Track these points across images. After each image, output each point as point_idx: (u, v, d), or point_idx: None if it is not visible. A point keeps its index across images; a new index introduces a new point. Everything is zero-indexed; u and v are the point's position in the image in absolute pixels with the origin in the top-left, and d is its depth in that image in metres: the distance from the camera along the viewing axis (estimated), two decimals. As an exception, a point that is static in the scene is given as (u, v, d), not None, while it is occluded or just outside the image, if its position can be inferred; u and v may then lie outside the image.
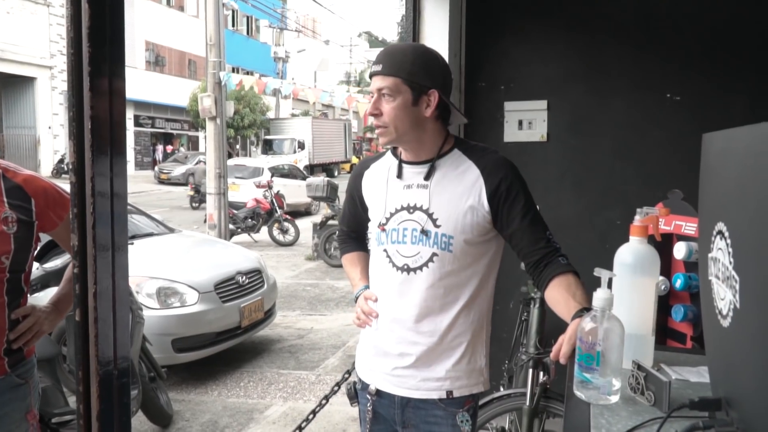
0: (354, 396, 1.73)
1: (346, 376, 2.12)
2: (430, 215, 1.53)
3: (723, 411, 0.73)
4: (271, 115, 29.00)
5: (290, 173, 15.92)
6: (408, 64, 1.47)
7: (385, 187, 1.61)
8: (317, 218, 10.35)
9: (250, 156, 27.56)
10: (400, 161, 1.59)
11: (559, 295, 1.36)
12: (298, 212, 14.19)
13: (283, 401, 4.33)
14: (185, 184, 23.11)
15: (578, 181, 3.56)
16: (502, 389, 3.28)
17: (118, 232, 1.08)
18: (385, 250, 1.58)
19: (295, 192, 14.04)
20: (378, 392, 1.61)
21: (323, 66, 40.71)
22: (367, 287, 1.71)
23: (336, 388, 2.07)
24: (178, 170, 23.81)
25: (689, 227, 2.49)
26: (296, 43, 38.06)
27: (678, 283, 2.06)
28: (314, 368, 4.99)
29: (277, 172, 15.06)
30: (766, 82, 3.22)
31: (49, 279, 3.79)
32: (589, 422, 1.01)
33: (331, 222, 9.40)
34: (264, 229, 11.22)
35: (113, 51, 1.07)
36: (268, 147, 25.52)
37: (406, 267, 1.54)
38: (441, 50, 3.51)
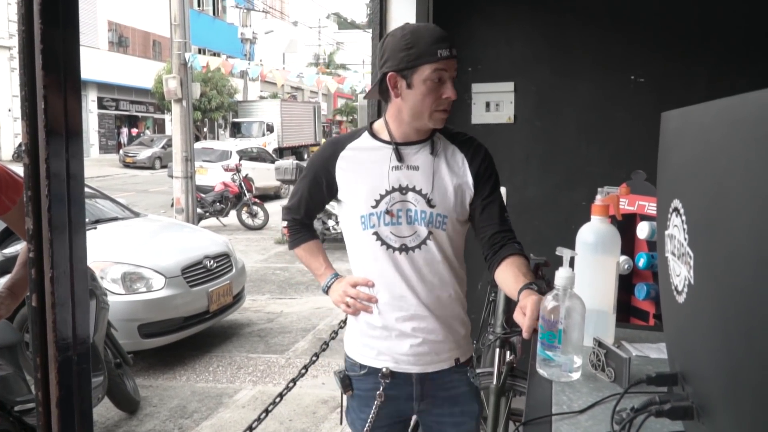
0: (348, 384, 1.69)
1: (314, 359, 2.12)
2: (424, 195, 1.58)
3: (679, 386, 0.75)
4: (239, 97, 28.56)
5: (259, 156, 15.75)
6: None
7: (372, 169, 1.60)
8: (286, 201, 10.27)
9: (218, 139, 27.16)
10: (396, 143, 1.60)
11: (511, 273, 1.46)
12: (267, 196, 14.08)
13: (253, 385, 4.32)
14: (151, 168, 22.72)
15: (544, 163, 3.59)
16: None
17: (74, 214, 1.05)
18: (375, 233, 1.59)
19: (264, 175, 13.91)
20: (392, 374, 1.62)
21: (292, 48, 40.18)
22: (336, 275, 1.73)
23: (303, 371, 2.06)
24: (144, 153, 23.37)
25: (651, 207, 2.54)
26: (264, 24, 37.47)
27: (641, 262, 2.10)
28: (284, 352, 4.99)
29: (245, 155, 14.88)
30: (726, 65, 3.29)
31: (9, 265, 3.69)
32: (551, 399, 1.03)
33: (300, 205, 9.33)
34: (233, 213, 11.11)
35: (67, 28, 1.03)
36: (236, 130, 25.16)
37: (404, 247, 1.59)
38: (408, 31, 3.50)
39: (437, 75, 1.50)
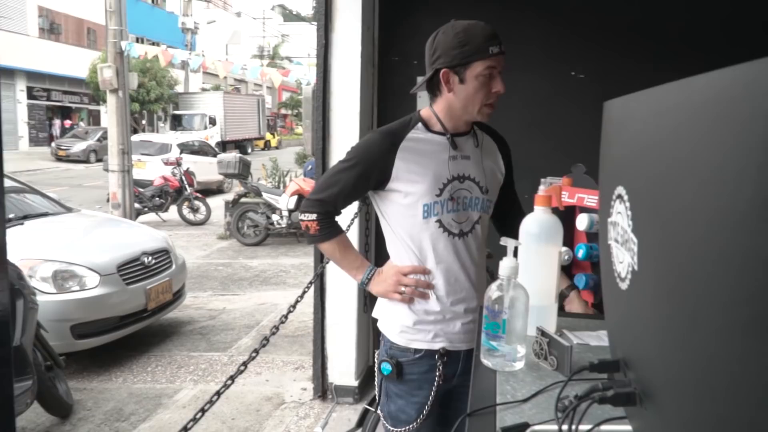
0: (401, 371, 1.70)
1: (254, 355, 2.06)
2: (477, 183, 1.70)
3: (621, 372, 0.75)
4: (179, 89, 27.82)
5: (201, 150, 15.39)
6: None
7: (434, 159, 1.65)
8: (229, 196, 10.08)
9: (157, 132, 26.40)
10: (452, 134, 1.68)
11: None
12: (209, 190, 13.78)
13: (194, 384, 4.20)
14: (86, 161, 21.86)
15: (488, 156, 3.63)
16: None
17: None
18: (438, 221, 1.66)
19: (206, 169, 13.60)
20: (447, 353, 1.68)
21: (235, 39, 39.44)
22: (374, 267, 1.74)
23: (242, 368, 2.00)
24: (78, 146, 22.46)
25: (591, 200, 2.59)
26: (206, 14, 36.63)
27: (580, 253, 2.13)
28: (227, 349, 4.88)
29: (186, 148, 14.52)
30: (662, 62, 3.39)
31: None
32: (495, 389, 1.02)
33: (244, 200, 9.18)
34: (173, 208, 10.82)
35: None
36: (176, 122, 24.52)
37: (461, 232, 1.68)
38: (353, 24, 3.47)
39: (488, 71, 1.59)
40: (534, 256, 1.27)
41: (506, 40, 3.77)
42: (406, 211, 1.65)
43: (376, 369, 1.79)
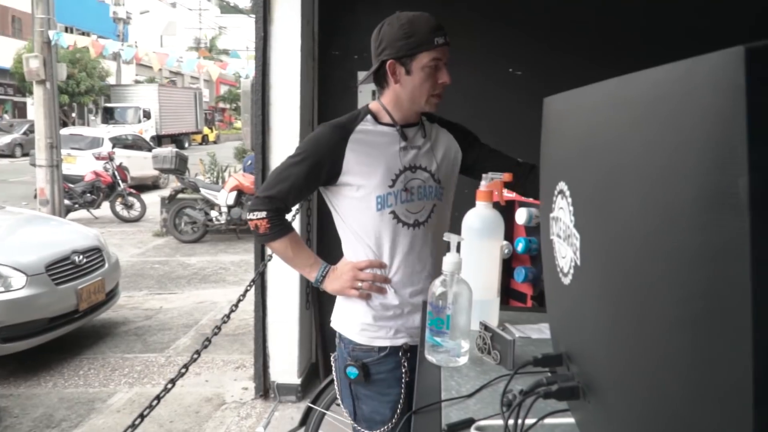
0: (368, 372, 1.67)
1: (195, 356, 2.01)
2: (429, 171, 1.69)
3: (564, 366, 0.76)
4: (111, 81, 26.80)
5: (135, 144, 14.88)
6: None
7: (386, 151, 1.64)
8: (165, 192, 9.79)
9: (88, 125, 25.36)
10: (400, 125, 1.67)
11: None
12: (144, 186, 13.34)
13: (129, 387, 4.06)
14: (11, 156, 20.81)
15: (429, 152, 3.65)
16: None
17: None
18: (392, 212, 1.64)
19: (140, 164, 13.17)
20: (410, 348, 1.65)
21: (170, 30, 38.30)
22: (327, 265, 1.71)
23: (184, 371, 1.95)
24: (2, 140, 21.35)
25: (530, 195, 2.64)
26: (139, 4, 35.38)
27: (519, 247, 2.18)
28: (164, 350, 4.74)
29: (119, 142, 14.01)
30: (597, 58, 3.48)
31: None
32: (440, 385, 1.02)
33: (181, 196, 8.94)
34: (106, 205, 10.42)
35: None
36: (108, 116, 23.61)
37: (416, 222, 1.67)
38: (293, 17, 3.42)
39: (434, 62, 1.59)
40: (476, 251, 1.28)
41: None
42: (360, 204, 1.63)
43: (336, 372, 1.75)
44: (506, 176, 1.44)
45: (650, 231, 0.46)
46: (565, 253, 0.67)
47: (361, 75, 3.72)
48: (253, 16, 3.62)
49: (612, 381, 0.55)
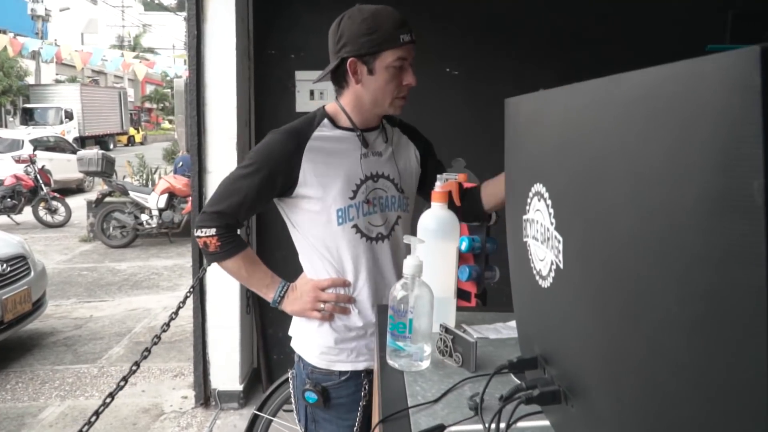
0: (328, 397, 1.56)
1: (135, 368, 1.91)
2: (392, 180, 1.58)
3: (540, 369, 0.75)
4: (30, 80, 25.45)
5: (57, 146, 14.19)
6: None
7: (346, 158, 1.52)
8: (92, 195, 9.37)
9: (5, 127, 23.99)
10: (361, 129, 1.55)
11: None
12: (68, 189, 12.76)
13: (61, 400, 3.86)
14: None
15: (370, 151, 3.64)
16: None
17: None
18: (355, 226, 1.53)
19: (63, 167, 12.59)
20: (371, 372, 1.55)
21: (92, 28, 36.71)
22: (286, 283, 1.57)
23: (123, 383, 1.85)
24: None
25: (472, 193, 2.66)
26: (59, 1, 33.74)
27: (463, 245, 2.19)
28: (96, 360, 4.53)
29: (40, 144, 13.32)
30: (531, 59, 3.56)
31: None
32: (405, 391, 1.00)
33: (108, 199, 8.58)
34: (28, 210, 9.88)
35: None
36: (28, 117, 22.40)
37: (379, 235, 1.56)
38: (226, 15, 3.32)
39: (399, 62, 1.47)
40: (433, 252, 1.27)
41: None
42: (318, 218, 1.51)
43: (294, 391, 1.65)
44: (461, 176, 1.43)
45: (645, 233, 0.45)
46: (544, 255, 0.66)
47: (300, 74, 3.67)
48: (180, 14, 3.50)
49: (599, 384, 0.55)
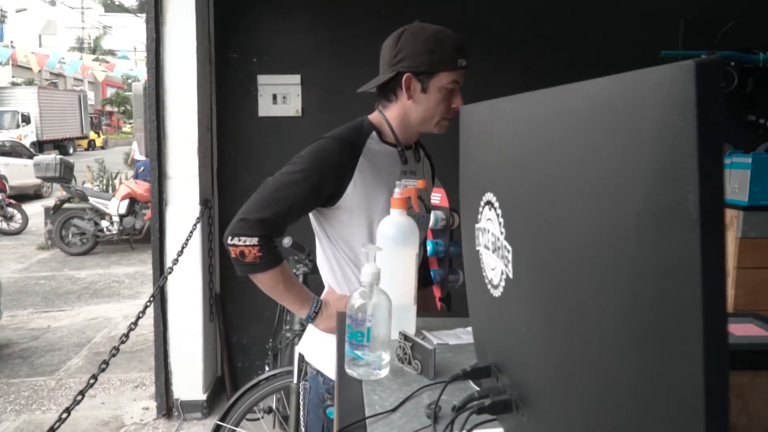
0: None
1: (92, 381, 1.86)
2: (423, 201, 1.59)
3: (493, 377, 0.75)
4: (-17, 83, 24.72)
5: (13, 151, 13.79)
6: None
7: (389, 175, 1.49)
8: (50, 202, 9.13)
9: (-43, 131, 23.23)
10: (402, 146, 1.54)
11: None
12: (25, 195, 12.40)
13: (16, 415, 3.73)
14: None
15: (334, 156, 3.62)
16: (267, 369, 3.23)
17: None
18: None
19: (20, 172, 12.24)
20: None
21: (50, 29, 35.83)
22: (320, 301, 1.50)
23: (80, 398, 1.80)
24: None
25: (435, 197, 2.67)
26: (15, 2, 32.84)
27: (427, 250, 2.20)
28: (54, 372, 4.40)
29: (-5, 149, 12.96)
30: (489, 62, 3.58)
31: None
32: (362, 401, 0.99)
33: (67, 205, 8.36)
34: (-19, 217, 9.59)
35: None
36: (-19, 121, 21.75)
37: None
38: (186, 18, 3.27)
39: (453, 84, 1.47)
40: (392, 259, 1.26)
41: (346, 40, 3.77)
42: (359, 233, 1.47)
43: (307, 404, 1.57)
44: (420, 183, 1.43)
45: (592, 245, 0.45)
46: (495, 265, 0.66)
47: (262, 78, 3.63)
48: (141, 15, 3.43)
49: (548, 393, 0.55)
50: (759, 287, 2.81)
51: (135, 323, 2.18)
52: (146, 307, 2.29)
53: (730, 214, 2.84)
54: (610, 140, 0.42)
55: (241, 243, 1.38)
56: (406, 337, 1.13)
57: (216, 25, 3.58)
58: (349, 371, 1.09)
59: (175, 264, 2.86)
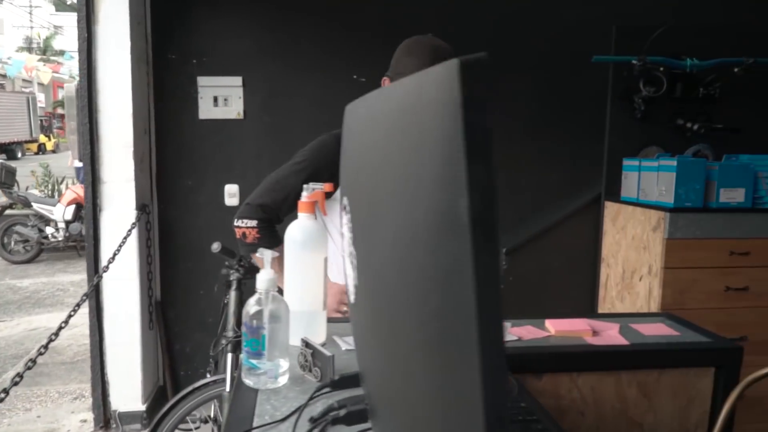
0: None
1: (3, 395, 1.78)
2: None
3: (362, 385, 0.73)
4: (-76, 84, 23.74)
5: (-46, 155, 13.30)
6: None
7: None
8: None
9: None
10: None
11: None
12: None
13: (-57, 431, 3.58)
14: None
15: (275, 159, 3.52)
16: (209, 376, 3.16)
17: None
18: None
19: (-40, 178, 11.75)
20: None
21: (-4, 29, 34.66)
22: None
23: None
24: None
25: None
26: (-43, 0, 31.66)
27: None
28: (-13, 385, 4.23)
29: (-66, 154, 12.45)
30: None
31: None
32: (253, 411, 0.96)
33: (10, 212, 8.08)
34: None
35: None
36: None
37: None
38: (120, 17, 3.19)
39: None
40: (300, 264, 1.24)
41: (290, 43, 3.71)
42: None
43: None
44: (327, 186, 1.41)
45: (392, 251, 0.44)
46: (350, 270, 0.64)
47: (203, 80, 3.55)
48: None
49: (381, 404, 0.53)
50: (685, 287, 2.87)
51: (56, 334, 2.10)
52: (70, 316, 2.21)
53: (657, 215, 2.90)
54: (405, 143, 0.41)
55: (243, 225, 1.58)
56: (307, 344, 1.10)
57: (153, 26, 3.50)
58: (246, 381, 1.06)
59: (105, 271, 2.77)
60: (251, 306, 1.05)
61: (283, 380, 1.07)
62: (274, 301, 1.05)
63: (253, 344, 1.04)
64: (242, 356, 1.06)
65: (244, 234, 1.58)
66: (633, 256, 3.12)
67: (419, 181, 0.38)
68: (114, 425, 3.45)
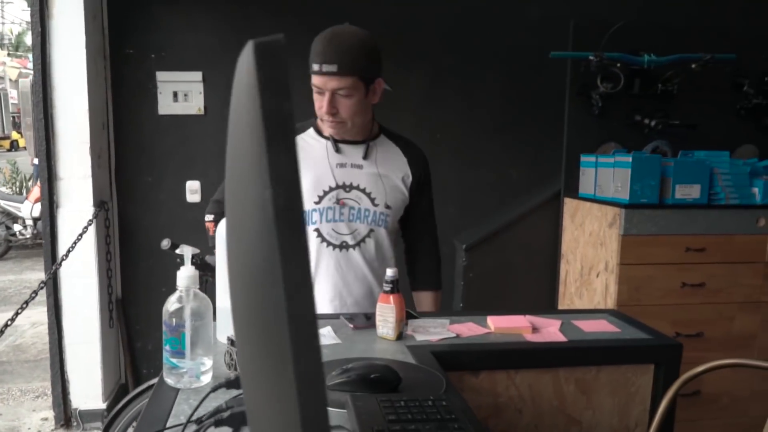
0: None
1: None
2: (367, 194, 1.62)
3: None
4: None
5: None
6: (362, 60, 1.49)
7: (317, 164, 1.58)
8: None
9: None
10: (335, 140, 1.61)
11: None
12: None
13: None
14: None
15: (236, 155, 3.53)
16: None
17: None
18: (316, 230, 1.58)
19: (-75, 175, 11.50)
20: None
21: (-35, 23, 33.89)
22: None
23: None
24: None
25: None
26: (-76, -7, 30.89)
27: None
28: (-55, 386, 4.14)
29: None
30: (394, 65, 3.57)
31: None
32: (170, 411, 0.94)
33: (-24, 210, 7.92)
34: None
35: None
36: None
37: (344, 244, 1.61)
38: (75, 12, 3.13)
39: (315, 87, 1.54)
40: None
41: (237, 35, 3.65)
42: None
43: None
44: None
45: (239, 246, 0.42)
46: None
47: (162, 75, 3.49)
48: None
49: (247, 407, 0.52)
50: (641, 283, 2.89)
51: (1, 331, 2.06)
52: (17, 313, 2.17)
53: (613, 212, 2.91)
54: (242, 132, 0.39)
55: (206, 220, 1.71)
56: (232, 342, 1.09)
57: (110, 20, 3.44)
58: (167, 380, 1.04)
59: (58, 268, 2.73)
60: (171, 304, 1.04)
61: (206, 379, 1.05)
62: (195, 299, 1.04)
63: (172, 343, 1.02)
64: (164, 355, 1.04)
65: (207, 228, 1.70)
66: (590, 252, 3.13)
67: (250, 171, 0.37)
68: (75, 423, 3.41)
